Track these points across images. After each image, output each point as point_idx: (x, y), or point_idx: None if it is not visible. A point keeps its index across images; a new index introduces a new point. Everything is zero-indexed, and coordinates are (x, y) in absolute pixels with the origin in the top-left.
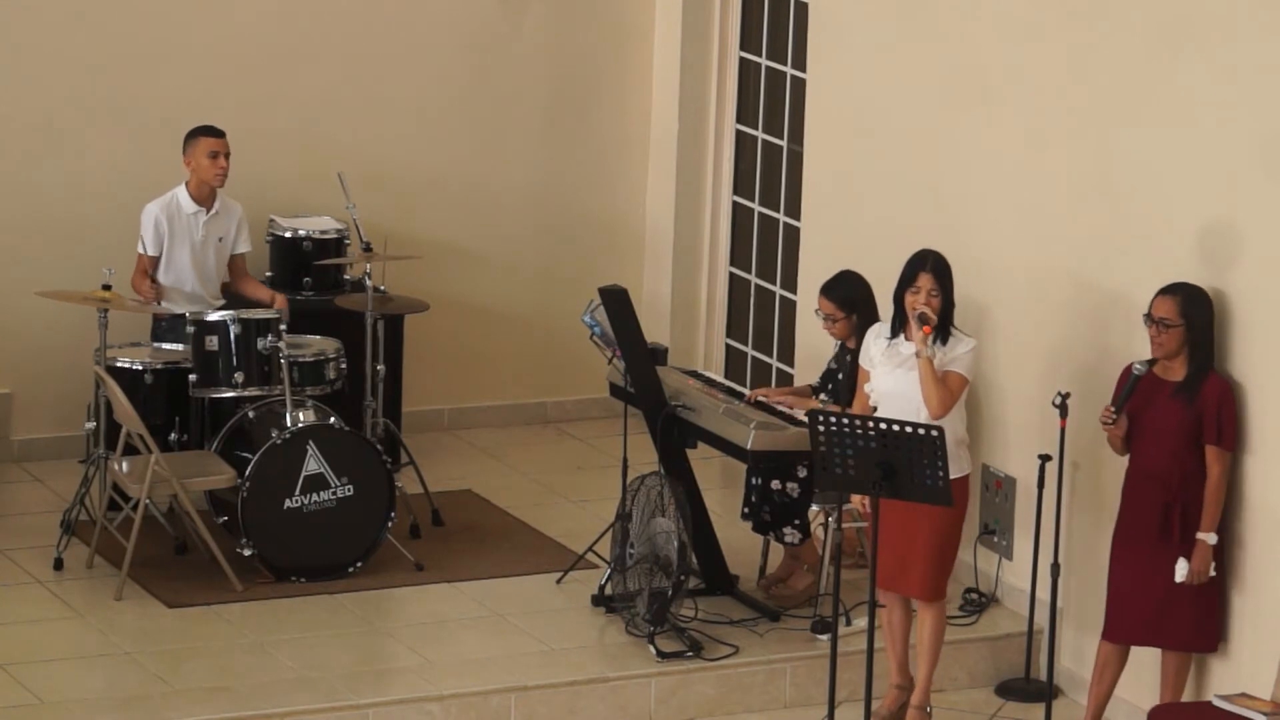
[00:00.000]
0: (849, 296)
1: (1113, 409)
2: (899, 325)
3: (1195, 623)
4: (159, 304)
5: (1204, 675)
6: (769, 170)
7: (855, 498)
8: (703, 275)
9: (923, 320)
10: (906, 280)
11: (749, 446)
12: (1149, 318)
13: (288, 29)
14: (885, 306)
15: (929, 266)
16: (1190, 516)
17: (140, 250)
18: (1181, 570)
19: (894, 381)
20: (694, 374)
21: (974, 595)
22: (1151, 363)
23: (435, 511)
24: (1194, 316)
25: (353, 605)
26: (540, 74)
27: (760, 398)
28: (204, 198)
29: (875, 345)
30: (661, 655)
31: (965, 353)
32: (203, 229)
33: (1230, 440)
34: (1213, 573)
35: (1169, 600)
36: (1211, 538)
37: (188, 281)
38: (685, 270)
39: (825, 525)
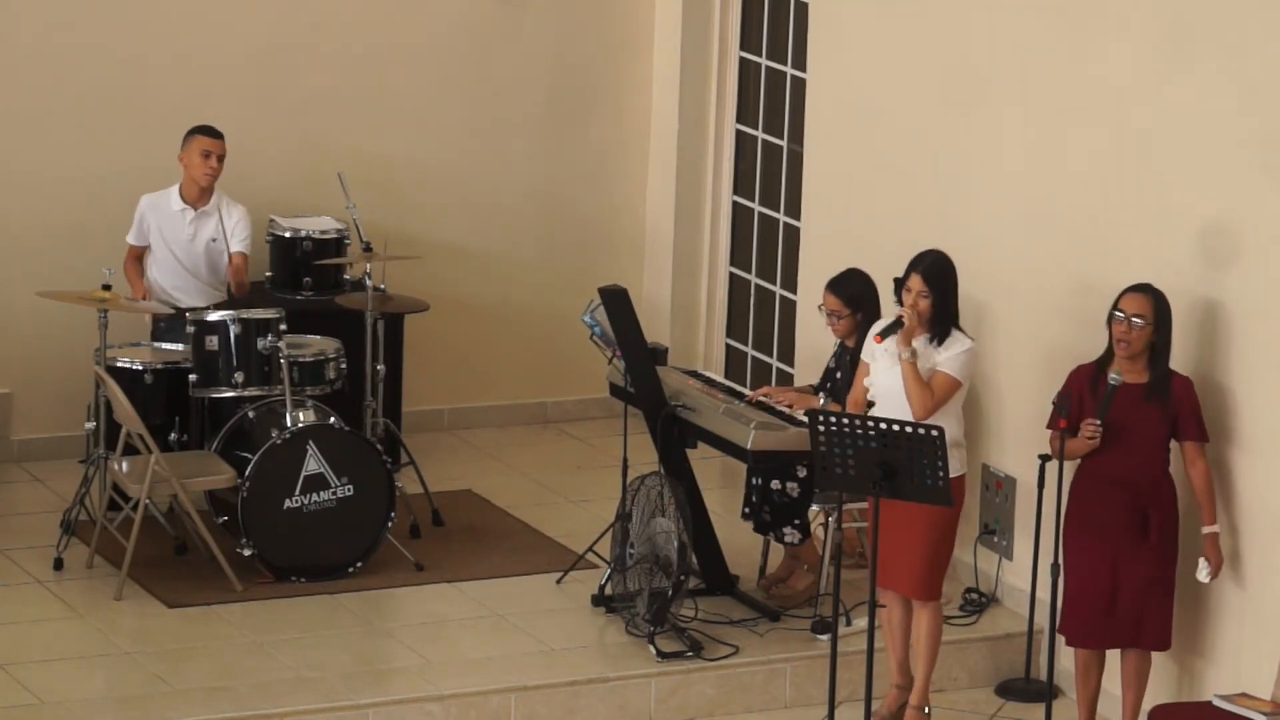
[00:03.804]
0: (856, 294)
1: (1097, 423)
2: (899, 323)
3: (1162, 622)
4: (143, 299)
5: (1204, 675)
6: (769, 170)
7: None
8: (703, 275)
9: (886, 330)
10: (902, 280)
11: (749, 446)
12: (1119, 314)
13: (288, 29)
14: (888, 307)
15: (921, 268)
16: (1163, 517)
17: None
18: (1203, 570)
19: (891, 379)
20: (694, 374)
21: (974, 595)
22: (1108, 365)
23: (435, 511)
24: (1161, 316)
25: (353, 605)
26: (540, 74)
27: (761, 397)
28: (194, 196)
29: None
30: (661, 655)
31: (957, 354)
32: (189, 226)
33: (1206, 432)
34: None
35: (1143, 603)
36: (1217, 528)
37: (169, 278)
38: (685, 270)
39: (825, 525)
